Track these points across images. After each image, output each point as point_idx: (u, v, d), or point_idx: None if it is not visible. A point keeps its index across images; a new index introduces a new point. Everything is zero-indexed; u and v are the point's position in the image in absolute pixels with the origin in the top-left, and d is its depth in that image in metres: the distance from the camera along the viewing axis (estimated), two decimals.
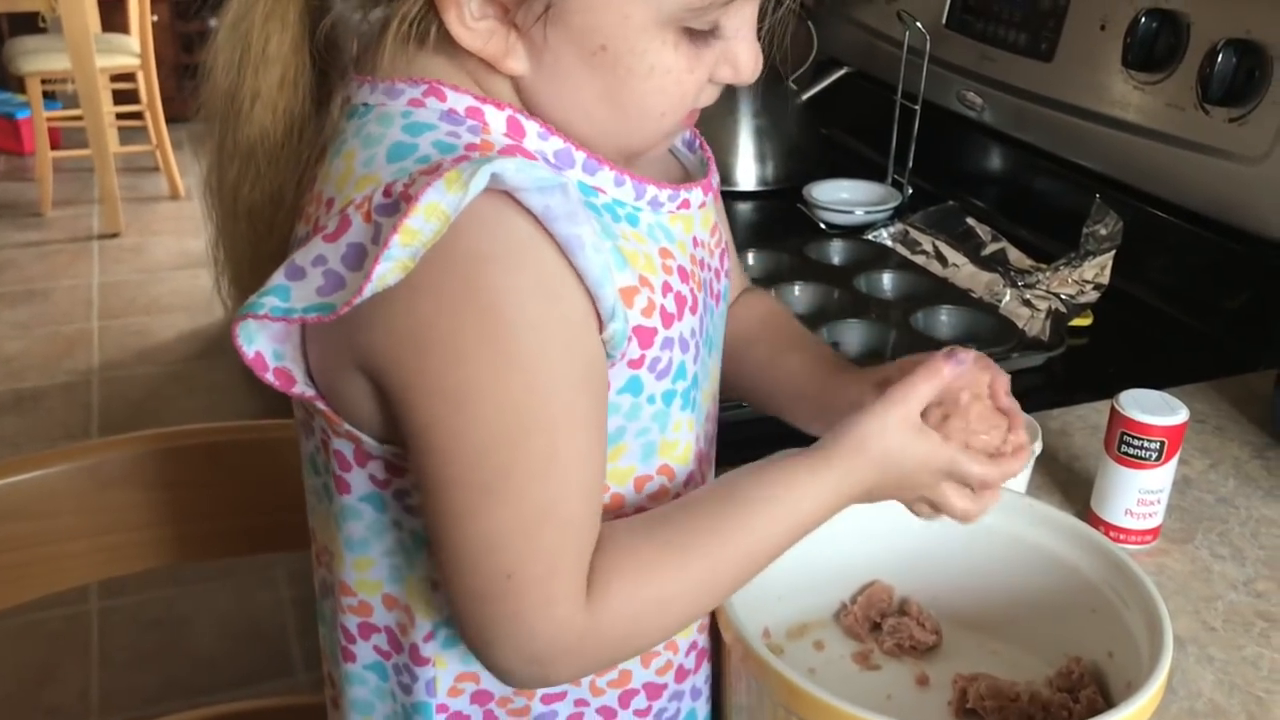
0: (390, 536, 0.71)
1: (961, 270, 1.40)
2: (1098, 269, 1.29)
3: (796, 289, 1.38)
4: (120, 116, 4.69)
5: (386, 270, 0.55)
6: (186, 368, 3.40)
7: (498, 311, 0.58)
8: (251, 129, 0.68)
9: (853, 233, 1.56)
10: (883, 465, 0.69)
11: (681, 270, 0.69)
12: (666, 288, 0.67)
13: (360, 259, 0.58)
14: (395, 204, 0.57)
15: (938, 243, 1.46)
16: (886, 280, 1.41)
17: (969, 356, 0.72)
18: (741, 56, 0.66)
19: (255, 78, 0.67)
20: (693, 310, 0.70)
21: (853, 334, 1.29)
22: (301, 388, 0.66)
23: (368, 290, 0.55)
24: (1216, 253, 1.34)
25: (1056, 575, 0.82)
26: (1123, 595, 0.77)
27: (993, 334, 1.28)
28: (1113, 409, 0.96)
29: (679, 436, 0.72)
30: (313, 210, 0.64)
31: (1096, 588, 0.79)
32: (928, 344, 1.27)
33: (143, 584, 2.40)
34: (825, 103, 1.86)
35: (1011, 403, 0.75)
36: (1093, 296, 1.29)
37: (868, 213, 1.60)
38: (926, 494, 0.72)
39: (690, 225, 0.72)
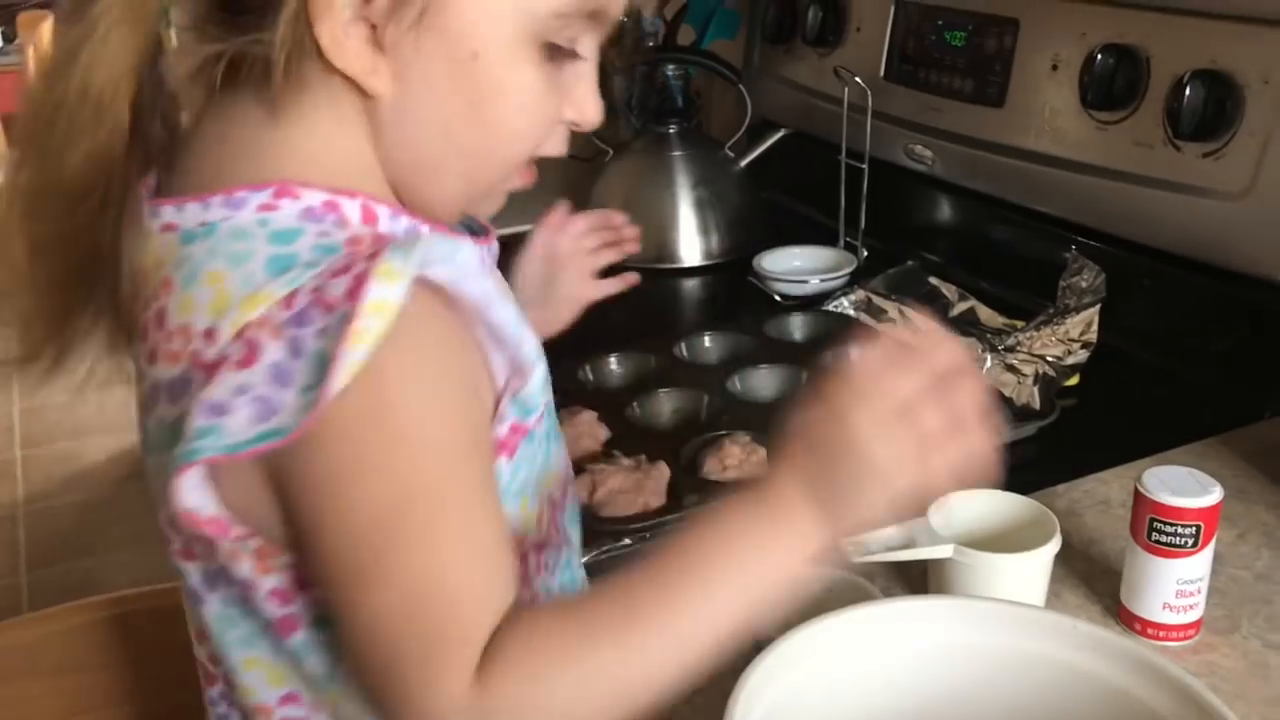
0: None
1: None
2: (1084, 325, 1.19)
3: (762, 372, 1.28)
4: None
5: (340, 377, 0.54)
6: (118, 491, 3.19)
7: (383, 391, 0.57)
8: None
9: (810, 303, 1.46)
10: (808, 440, 0.61)
11: None
12: None
13: (284, 377, 0.56)
14: (304, 314, 0.56)
15: (903, 308, 1.36)
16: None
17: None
18: (587, 99, 0.68)
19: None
20: None
21: None
22: (237, 528, 0.61)
23: (323, 401, 0.53)
24: (1203, 296, 1.26)
25: (1115, 709, 0.71)
26: None
27: None
28: (1137, 493, 0.86)
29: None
30: (181, 346, 0.60)
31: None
32: None
33: None
34: (765, 167, 1.78)
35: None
36: (1082, 356, 1.19)
37: (823, 280, 1.50)
38: (888, 445, 0.60)
39: None
